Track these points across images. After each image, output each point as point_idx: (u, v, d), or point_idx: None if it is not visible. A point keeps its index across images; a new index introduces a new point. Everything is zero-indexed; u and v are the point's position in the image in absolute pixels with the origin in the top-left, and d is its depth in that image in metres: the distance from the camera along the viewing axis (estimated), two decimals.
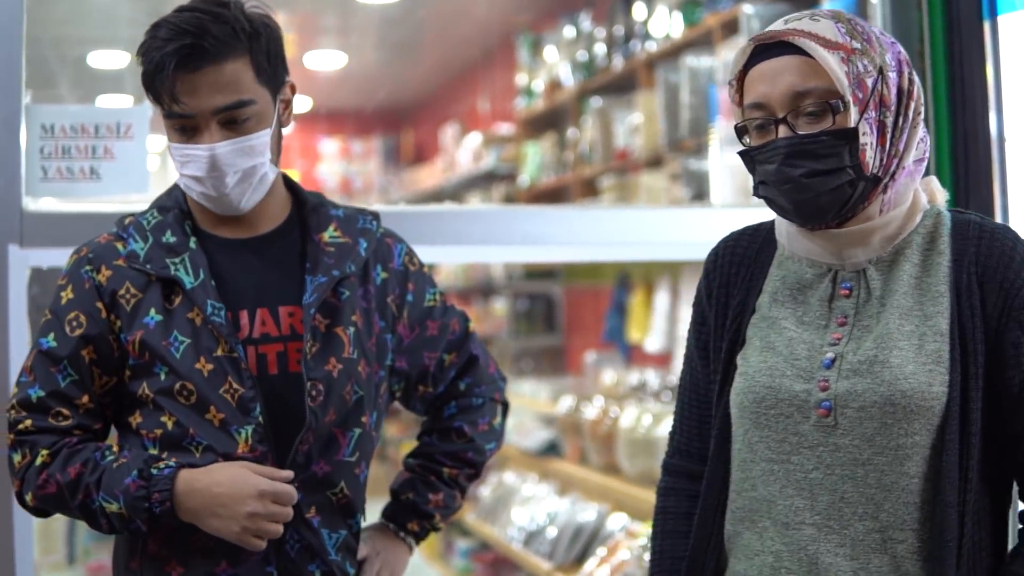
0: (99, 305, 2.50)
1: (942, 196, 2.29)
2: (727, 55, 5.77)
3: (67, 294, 2.53)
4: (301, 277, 2.57)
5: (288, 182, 2.68)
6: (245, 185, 2.50)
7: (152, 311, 2.48)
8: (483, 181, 9.52)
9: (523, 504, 6.53)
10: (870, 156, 2.13)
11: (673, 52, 6.43)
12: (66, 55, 6.54)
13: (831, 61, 2.10)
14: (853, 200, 2.14)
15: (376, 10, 7.67)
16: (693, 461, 2.41)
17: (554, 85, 8.09)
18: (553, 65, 8.13)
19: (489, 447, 2.82)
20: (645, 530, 5.00)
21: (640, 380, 6.27)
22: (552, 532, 5.85)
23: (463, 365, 2.80)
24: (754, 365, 2.22)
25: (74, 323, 2.49)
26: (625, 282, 7.36)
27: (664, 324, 6.65)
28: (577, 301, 8.64)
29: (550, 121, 8.40)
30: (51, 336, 2.50)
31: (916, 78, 2.20)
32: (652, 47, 6.67)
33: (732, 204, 5.38)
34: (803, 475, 2.14)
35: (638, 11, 6.89)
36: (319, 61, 8.61)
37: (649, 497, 5.29)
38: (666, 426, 5.21)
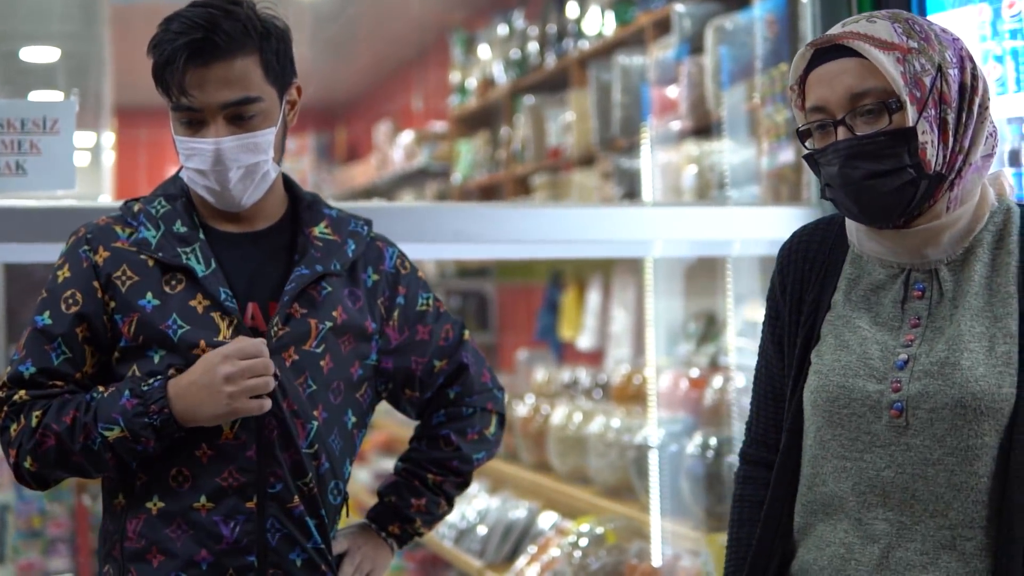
0: (95, 284, 2.52)
1: (1012, 191, 2.30)
2: (659, 54, 5.79)
3: (63, 272, 2.55)
4: (289, 270, 2.60)
5: (287, 181, 2.71)
6: (248, 181, 2.53)
7: (149, 295, 2.51)
8: (416, 179, 9.52)
9: None
10: (931, 154, 2.12)
11: (605, 51, 6.45)
12: None
13: (885, 62, 2.11)
14: (917, 199, 2.14)
15: (309, 6, 7.64)
16: (770, 451, 2.43)
17: (487, 83, 8.10)
18: (486, 63, 8.14)
19: (477, 456, 2.82)
20: (575, 528, 5.01)
21: (572, 378, 6.27)
22: (483, 530, 5.84)
23: (452, 373, 2.80)
24: (828, 363, 2.24)
25: (70, 300, 2.52)
26: (557, 280, 7.37)
27: (596, 322, 6.67)
28: (509, 299, 8.65)
29: (483, 119, 8.41)
30: (46, 314, 2.52)
31: (981, 72, 2.20)
32: (584, 46, 6.69)
33: (663, 202, 5.40)
34: (875, 473, 2.16)
35: (571, 10, 6.91)
36: None
37: (579, 495, 5.33)
38: (596, 424, 5.24)
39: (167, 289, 2.51)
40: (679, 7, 5.54)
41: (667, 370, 5.36)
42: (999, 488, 2.10)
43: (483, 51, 8.22)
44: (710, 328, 5.54)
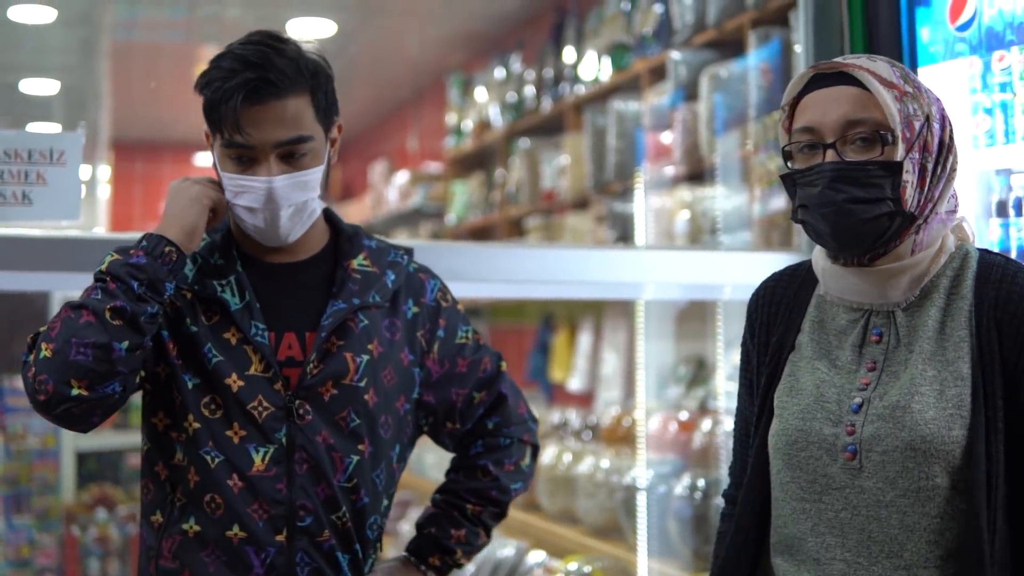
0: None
1: (973, 237, 2.36)
2: (654, 100, 5.84)
3: None
4: (328, 303, 2.61)
5: (328, 213, 2.73)
6: (296, 219, 2.55)
7: (188, 321, 2.54)
8: (410, 219, 9.55)
9: None
10: (910, 194, 2.19)
11: (601, 96, 6.50)
12: None
13: (886, 96, 2.17)
14: (888, 234, 2.20)
15: (308, 47, 7.69)
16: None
17: (483, 125, 8.14)
18: (483, 106, 8.18)
19: (515, 487, 2.82)
20: (563, 567, 5.03)
21: (562, 419, 6.30)
22: (471, 568, 5.86)
23: (491, 404, 2.81)
24: (788, 407, 2.28)
25: None
26: (549, 322, 7.40)
27: (586, 364, 6.70)
28: (501, 340, 8.68)
29: (478, 161, 8.45)
30: None
31: (955, 137, 2.28)
32: (580, 90, 6.74)
33: (655, 246, 5.44)
34: (833, 514, 2.21)
35: (568, 55, 6.96)
36: None
37: (567, 535, 5.36)
38: (586, 465, 5.27)
39: (203, 319, 2.54)
40: (675, 54, 5.59)
41: (656, 412, 5.39)
42: (953, 528, 2.13)
43: (480, 94, 8.27)
44: (700, 372, 5.57)
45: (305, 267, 2.65)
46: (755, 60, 4.90)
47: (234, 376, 2.51)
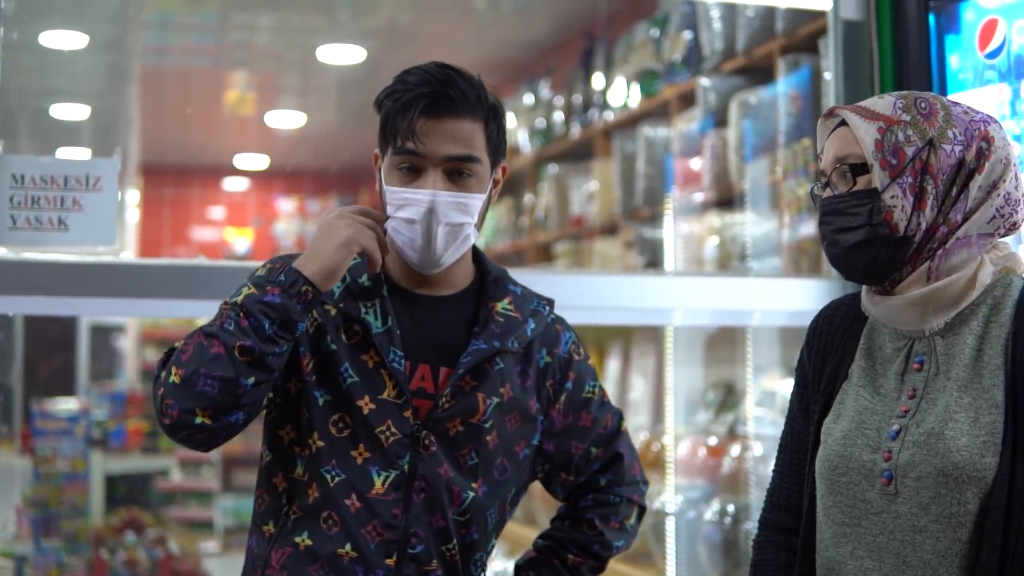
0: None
1: (1022, 265, 2.36)
2: (683, 126, 5.86)
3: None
4: (467, 341, 2.60)
5: (476, 254, 2.73)
6: (450, 240, 2.55)
7: (328, 338, 2.55)
8: None
9: None
10: (898, 217, 2.24)
11: (630, 122, 6.51)
12: (27, 105, 6.55)
13: (860, 129, 2.27)
14: (881, 259, 2.27)
15: (337, 71, 7.72)
16: (791, 517, 2.49)
17: (512, 151, 8.15)
18: (512, 131, 8.19)
19: (617, 544, 2.82)
20: None
21: None
22: None
23: (607, 461, 2.80)
24: (833, 433, 2.33)
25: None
26: None
27: (615, 390, 6.70)
28: None
29: (507, 186, 8.43)
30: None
31: (1003, 156, 2.29)
32: (610, 116, 6.75)
33: (684, 272, 5.44)
34: (871, 539, 2.24)
35: (597, 81, 6.97)
36: (279, 120, 8.66)
37: None
38: None
39: (344, 338, 2.55)
40: (704, 81, 5.61)
41: (685, 438, 5.39)
42: (976, 554, 2.15)
43: (508, 119, 8.28)
44: (729, 397, 5.57)
45: (448, 302, 2.65)
46: (784, 87, 4.91)
47: (367, 398, 2.52)
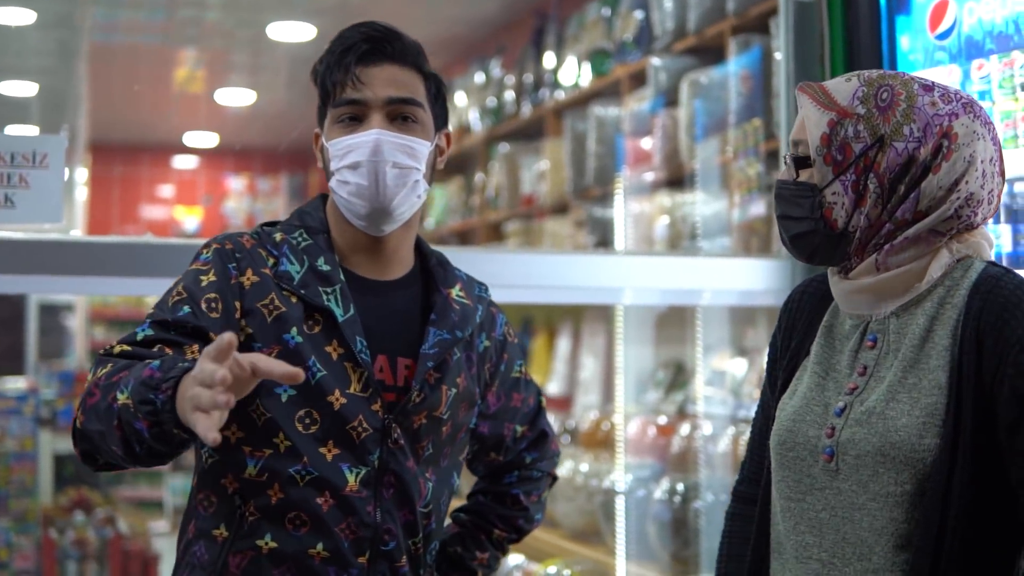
0: (236, 304, 2.40)
1: (989, 252, 2.30)
2: (634, 106, 5.86)
3: (209, 277, 2.41)
4: (421, 329, 2.53)
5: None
6: (399, 183, 2.45)
7: (294, 330, 2.41)
8: None
9: None
10: (837, 214, 2.23)
11: (581, 101, 6.52)
12: None
13: (812, 120, 2.26)
14: (823, 250, 2.28)
15: (287, 49, 7.69)
16: (757, 488, 2.49)
17: (462, 130, 8.15)
18: (462, 110, 8.19)
19: (538, 517, 2.84)
20: (542, 571, 5.05)
21: None
22: None
23: (534, 440, 2.80)
24: (785, 409, 2.34)
25: (213, 305, 2.37)
26: (527, 326, 7.42)
27: (565, 368, 6.72)
28: None
29: (457, 165, 8.46)
30: (185, 309, 2.35)
31: (967, 155, 2.21)
32: (560, 96, 6.76)
33: (634, 251, 5.45)
34: (814, 514, 2.25)
35: (548, 60, 6.98)
36: (229, 98, 8.63)
37: (546, 538, 5.36)
38: (564, 469, 5.28)
39: (306, 329, 2.42)
40: (655, 61, 5.61)
41: (635, 417, 5.41)
42: (910, 534, 2.15)
43: (459, 98, 8.28)
44: (678, 376, 5.59)
45: (397, 287, 2.56)
46: (735, 67, 4.92)
47: (337, 393, 2.40)
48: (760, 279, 3.96)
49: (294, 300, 2.43)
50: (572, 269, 3.90)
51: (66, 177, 3.16)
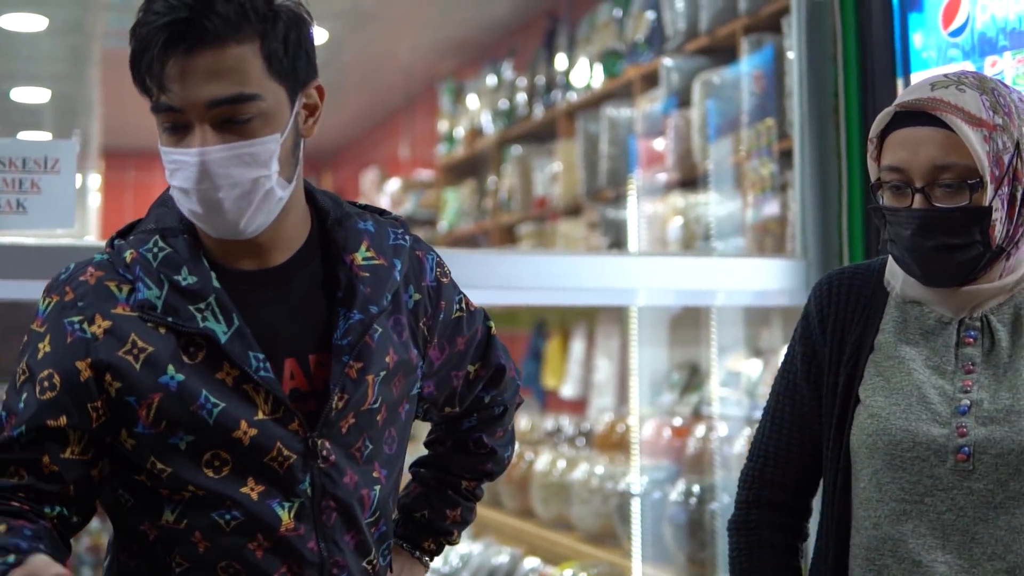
0: (79, 366, 2.00)
1: None
2: (646, 107, 5.85)
3: (44, 346, 2.03)
4: (329, 311, 2.11)
5: (307, 190, 2.19)
6: (244, 204, 1.98)
7: (170, 368, 1.99)
8: None
9: None
10: (999, 231, 2.16)
11: (593, 103, 6.50)
12: None
13: (974, 141, 2.12)
14: (978, 269, 2.18)
15: None
16: (787, 494, 2.42)
17: (475, 133, 8.14)
18: (474, 113, 8.18)
19: (507, 454, 2.51)
20: (558, 574, 5.04)
21: (555, 426, 6.31)
22: (465, 575, 5.86)
23: (490, 378, 2.42)
24: (885, 407, 2.24)
25: (45, 384, 2.00)
26: (541, 329, 7.40)
27: (579, 371, 6.71)
28: None
29: (470, 168, 8.45)
30: (23, 396, 2.00)
31: None
32: (573, 97, 6.74)
33: (649, 252, 5.44)
34: (936, 516, 2.18)
35: (560, 62, 6.96)
36: None
37: (562, 541, 5.36)
38: (580, 471, 5.27)
39: (186, 359, 2.00)
40: (667, 61, 5.60)
41: (650, 419, 5.40)
42: None
43: (471, 101, 8.27)
44: (693, 378, 5.58)
45: (290, 271, 2.11)
46: (748, 66, 4.91)
47: (244, 425, 2.00)
48: (774, 279, 3.95)
49: (163, 331, 2.01)
50: (586, 270, 3.89)
51: (79, 183, 3.14)
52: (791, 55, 4.19)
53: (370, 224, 2.20)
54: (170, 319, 1.99)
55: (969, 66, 3.25)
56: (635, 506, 4.95)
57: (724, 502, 4.62)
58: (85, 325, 2.01)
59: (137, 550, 2.10)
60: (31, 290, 3.80)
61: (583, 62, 6.62)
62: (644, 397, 5.53)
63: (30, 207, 3.04)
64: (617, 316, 6.22)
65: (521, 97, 7.43)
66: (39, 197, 3.05)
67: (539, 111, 7.18)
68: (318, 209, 2.18)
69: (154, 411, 1.99)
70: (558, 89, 6.94)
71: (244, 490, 2.03)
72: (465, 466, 2.47)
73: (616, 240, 6.07)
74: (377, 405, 2.13)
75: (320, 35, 7.09)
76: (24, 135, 6.10)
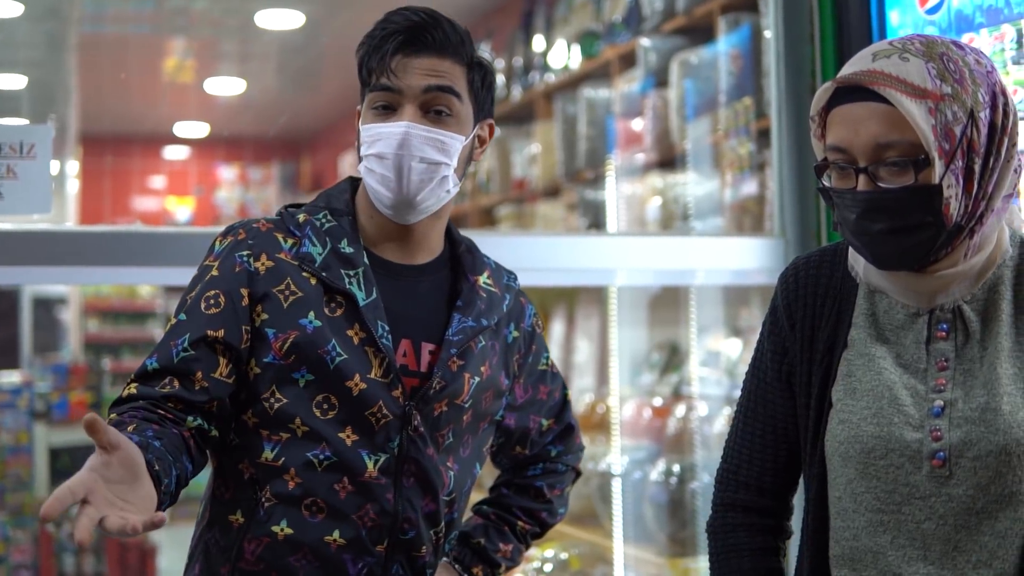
0: (243, 291, 2.38)
1: (1021, 223, 2.20)
2: (624, 87, 5.85)
3: (213, 272, 2.41)
4: (447, 315, 2.49)
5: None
6: (425, 179, 2.41)
7: (311, 314, 2.38)
8: None
9: None
10: (954, 208, 2.02)
11: (571, 84, 6.50)
12: None
13: (917, 116, 1.99)
14: (935, 249, 2.04)
15: (277, 37, 7.68)
16: (763, 496, 2.33)
17: None
18: None
19: (561, 511, 2.79)
20: (539, 554, 5.04)
21: None
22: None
23: (560, 433, 2.76)
24: (857, 412, 2.13)
25: (211, 301, 2.37)
26: None
27: (559, 352, 6.71)
28: None
29: None
30: (184, 311, 2.38)
31: (1012, 105, 2.08)
32: (551, 78, 6.75)
33: (627, 232, 5.45)
34: (915, 525, 2.08)
35: (537, 43, 6.96)
36: (218, 87, 8.60)
37: None
38: None
39: (327, 311, 2.39)
40: (644, 41, 5.60)
41: (630, 399, 5.40)
42: None
43: None
44: (673, 358, 5.58)
45: (424, 272, 2.51)
46: (725, 46, 4.91)
47: (357, 378, 2.36)
48: (753, 258, 3.96)
49: (314, 282, 2.40)
50: (565, 251, 3.89)
51: (56, 169, 3.15)
52: (768, 34, 4.19)
53: (491, 262, 2.64)
54: (324, 274, 2.40)
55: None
56: (616, 486, 4.96)
57: (704, 481, 4.63)
58: (251, 260, 2.41)
59: (231, 487, 2.44)
60: (9, 276, 3.80)
61: (560, 43, 6.62)
62: (624, 377, 5.54)
63: (6, 192, 3.04)
64: (596, 297, 6.23)
65: (499, 79, 7.43)
66: (15, 183, 3.05)
67: (517, 92, 7.18)
68: (451, 239, 2.60)
69: (288, 345, 2.36)
70: (536, 70, 6.94)
71: (341, 435, 2.37)
72: (525, 509, 2.74)
73: (595, 221, 6.08)
74: (467, 405, 2.48)
75: (296, 19, 7.09)
76: (1, 121, 6.08)
